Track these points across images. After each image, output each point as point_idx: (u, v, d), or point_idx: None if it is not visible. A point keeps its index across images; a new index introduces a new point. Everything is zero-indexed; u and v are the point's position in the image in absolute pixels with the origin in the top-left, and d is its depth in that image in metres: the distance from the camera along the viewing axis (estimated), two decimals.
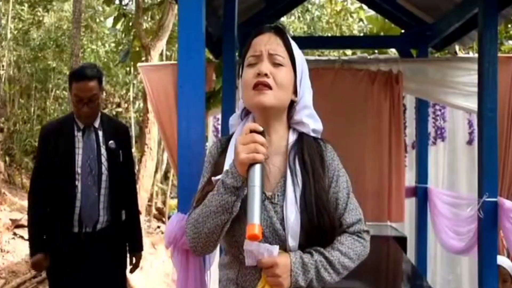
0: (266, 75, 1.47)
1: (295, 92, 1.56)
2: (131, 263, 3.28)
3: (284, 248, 1.46)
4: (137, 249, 3.30)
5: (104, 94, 3.20)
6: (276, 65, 1.50)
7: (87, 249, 2.96)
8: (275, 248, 1.41)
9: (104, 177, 3.01)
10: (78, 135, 3.02)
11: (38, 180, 3.06)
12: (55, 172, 2.97)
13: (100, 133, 3.07)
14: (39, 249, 3.00)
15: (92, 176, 2.97)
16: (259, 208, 1.30)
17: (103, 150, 3.04)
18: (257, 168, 1.35)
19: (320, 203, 1.48)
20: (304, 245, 1.46)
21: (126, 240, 3.24)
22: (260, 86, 1.47)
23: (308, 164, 1.52)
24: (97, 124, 3.07)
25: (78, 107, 2.98)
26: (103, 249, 3.00)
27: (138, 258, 3.30)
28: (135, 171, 3.42)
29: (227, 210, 1.40)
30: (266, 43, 1.52)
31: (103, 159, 3.02)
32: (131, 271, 3.31)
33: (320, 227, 1.46)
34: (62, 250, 2.97)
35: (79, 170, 2.96)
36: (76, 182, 2.94)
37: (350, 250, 1.52)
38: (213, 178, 1.48)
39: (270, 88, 1.47)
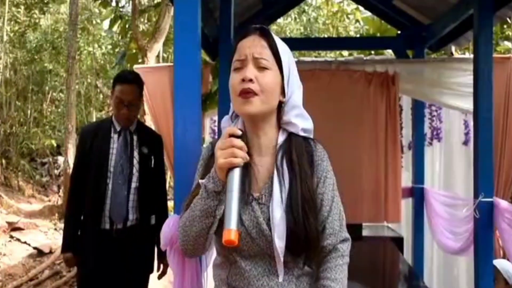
0: (251, 80, 1.46)
1: (283, 92, 1.54)
2: (158, 269, 3.33)
3: (271, 249, 1.45)
4: (165, 255, 3.32)
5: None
6: (261, 68, 1.49)
7: (118, 246, 3.05)
8: None
9: (134, 178, 3.10)
10: (114, 136, 3.14)
11: (77, 180, 3.20)
12: (90, 170, 3.10)
13: (135, 137, 3.17)
14: (69, 248, 3.16)
15: (123, 176, 3.07)
16: (237, 213, 1.29)
17: (135, 153, 3.14)
18: (236, 172, 1.34)
19: (306, 206, 1.47)
20: (291, 247, 1.45)
21: (155, 245, 3.29)
22: (246, 94, 1.46)
23: (296, 164, 1.51)
24: (133, 128, 3.19)
25: (118, 108, 3.10)
26: (133, 248, 3.08)
27: (166, 264, 3.32)
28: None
29: (211, 214, 1.42)
30: (251, 46, 1.50)
31: (135, 162, 3.13)
32: (159, 277, 3.36)
33: (305, 228, 1.46)
34: (94, 245, 3.07)
35: (111, 169, 3.07)
36: (108, 180, 3.06)
37: (338, 276, 1.54)
38: (200, 181, 1.48)
39: (255, 94, 1.46)
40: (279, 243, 1.43)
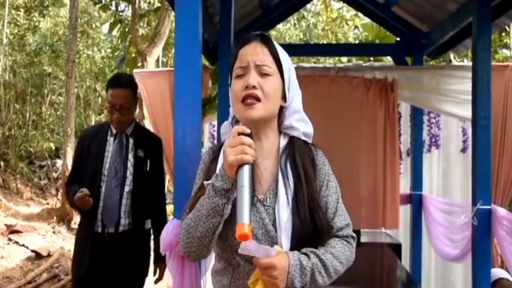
0: (254, 87, 1.50)
1: (284, 97, 1.58)
2: (154, 273, 3.31)
3: None
4: (162, 259, 3.30)
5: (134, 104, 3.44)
6: (264, 75, 1.52)
7: (109, 250, 3.03)
8: (273, 250, 1.41)
9: (127, 182, 3.08)
10: (110, 140, 3.14)
11: (72, 177, 3.22)
12: (85, 173, 3.11)
13: (131, 140, 3.16)
14: (74, 194, 2.97)
15: (116, 179, 3.06)
16: (249, 208, 1.32)
17: (130, 157, 3.13)
18: (246, 169, 1.37)
19: (314, 204, 1.50)
20: (296, 247, 1.47)
21: (150, 250, 3.29)
22: (249, 99, 1.50)
23: (300, 167, 1.55)
24: (129, 131, 3.18)
25: (111, 112, 3.10)
26: (125, 252, 3.06)
27: (163, 269, 3.30)
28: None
29: (218, 213, 1.42)
30: (253, 53, 1.54)
31: (129, 165, 3.11)
32: (156, 281, 3.34)
33: (315, 229, 1.48)
34: (88, 248, 3.05)
35: (105, 172, 3.06)
36: (101, 183, 3.05)
37: (341, 254, 1.54)
38: (205, 182, 1.50)
39: (258, 100, 1.50)
40: (285, 245, 1.46)
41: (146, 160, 3.16)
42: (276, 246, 1.43)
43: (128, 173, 3.09)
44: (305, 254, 1.46)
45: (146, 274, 3.26)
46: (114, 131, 3.15)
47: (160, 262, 3.29)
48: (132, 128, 3.19)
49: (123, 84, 3.10)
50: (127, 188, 3.07)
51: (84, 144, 3.17)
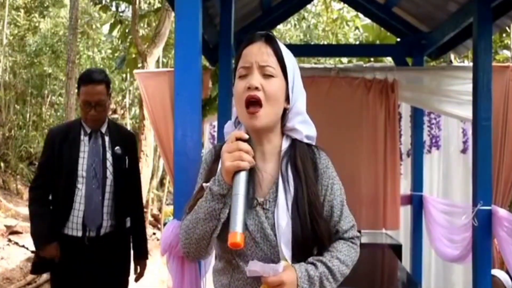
0: (256, 88, 1.47)
1: (287, 99, 1.56)
2: (135, 271, 3.26)
3: (275, 254, 1.46)
4: (142, 256, 3.28)
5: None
6: (267, 76, 1.49)
7: (91, 254, 2.94)
8: (280, 266, 1.40)
9: (108, 182, 2.99)
10: (85, 139, 3.01)
11: (39, 180, 3.07)
12: (59, 176, 2.96)
13: (107, 138, 3.06)
14: (47, 240, 2.92)
15: (96, 180, 2.95)
16: (242, 216, 1.32)
17: (108, 155, 3.02)
18: (242, 176, 1.36)
19: (313, 210, 1.48)
20: (298, 253, 1.46)
21: (131, 247, 3.22)
22: (252, 107, 1.47)
23: (301, 170, 1.52)
24: (104, 129, 3.07)
25: (85, 110, 2.97)
26: (107, 254, 2.98)
27: (143, 266, 3.28)
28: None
29: (215, 217, 1.42)
30: (257, 54, 1.51)
31: (108, 164, 3.01)
32: (136, 279, 3.28)
33: (314, 234, 1.47)
34: (66, 254, 2.94)
35: (84, 173, 2.93)
36: (80, 186, 2.92)
37: (347, 258, 1.54)
38: (204, 184, 1.49)
39: (260, 104, 1.47)
40: (286, 250, 1.44)
41: (125, 157, 3.07)
42: (282, 262, 1.42)
43: (108, 172, 2.99)
44: (312, 263, 1.47)
45: (129, 273, 3.22)
46: (88, 130, 3.02)
47: (141, 259, 3.27)
48: (106, 125, 3.08)
49: (97, 80, 2.96)
50: (108, 189, 2.98)
51: (54, 145, 2.99)
